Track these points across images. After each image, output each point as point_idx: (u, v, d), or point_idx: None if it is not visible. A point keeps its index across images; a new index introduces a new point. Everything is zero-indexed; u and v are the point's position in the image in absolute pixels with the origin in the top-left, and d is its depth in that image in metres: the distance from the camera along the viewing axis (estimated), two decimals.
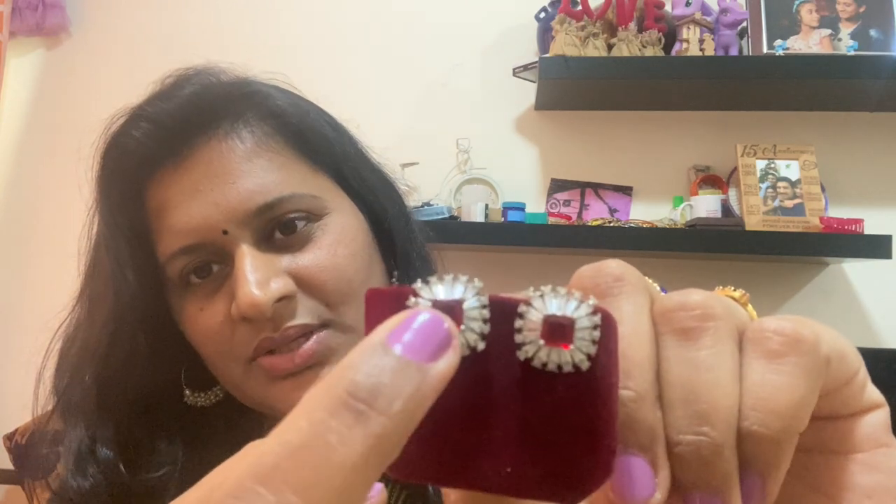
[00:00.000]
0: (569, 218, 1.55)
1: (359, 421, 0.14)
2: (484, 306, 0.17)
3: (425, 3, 1.70)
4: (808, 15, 1.45)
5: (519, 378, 0.17)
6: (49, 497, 0.54)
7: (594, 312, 0.17)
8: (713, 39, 1.47)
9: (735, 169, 1.49)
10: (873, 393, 0.22)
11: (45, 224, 1.75)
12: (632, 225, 1.46)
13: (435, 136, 1.63)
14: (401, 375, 0.15)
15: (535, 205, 1.60)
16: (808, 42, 1.44)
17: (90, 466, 0.52)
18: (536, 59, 1.50)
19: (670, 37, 1.49)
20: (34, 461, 0.56)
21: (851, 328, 1.49)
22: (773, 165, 1.45)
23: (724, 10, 1.49)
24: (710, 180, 1.54)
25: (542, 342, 0.16)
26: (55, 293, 0.61)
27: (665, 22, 1.49)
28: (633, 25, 1.46)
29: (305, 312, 0.49)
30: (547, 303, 0.17)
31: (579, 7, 1.50)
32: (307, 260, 0.50)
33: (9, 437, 1.08)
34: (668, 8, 1.52)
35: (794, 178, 1.44)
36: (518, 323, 0.17)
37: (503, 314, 0.17)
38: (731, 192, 1.51)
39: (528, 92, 1.61)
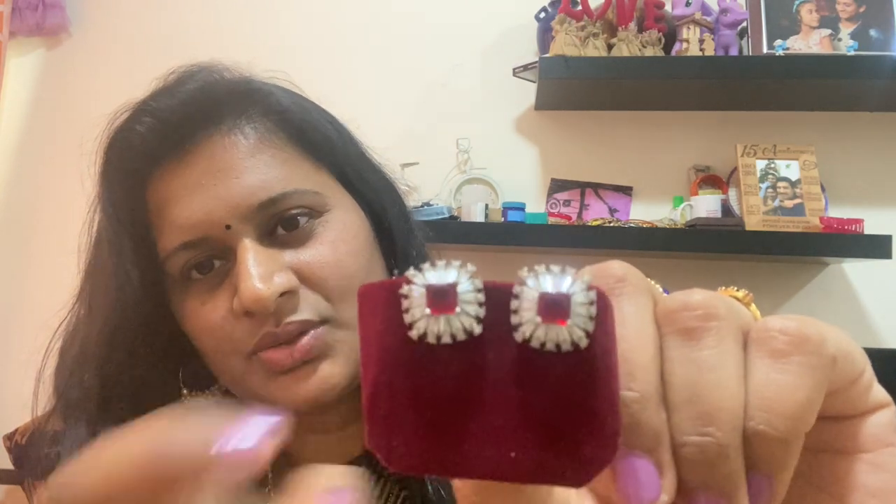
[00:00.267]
0: (569, 218, 1.55)
1: None
2: (478, 290, 0.17)
3: (425, 3, 1.70)
4: (808, 15, 1.45)
5: (517, 361, 0.17)
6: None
7: (589, 289, 0.17)
8: (713, 39, 1.48)
9: (735, 169, 1.49)
10: (879, 392, 0.22)
11: (46, 224, 1.75)
12: (632, 225, 1.46)
13: (435, 136, 1.63)
14: None
15: (535, 205, 1.60)
16: (808, 42, 1.44)
17: None
18: (536, 59, 1.50)
19: (670, 37, 1.49)
20: (34, 461, 0.56)
21: (851, 328, 1.49)
22: (773, 165, 1.45)
23: (724, 10, 1.49)
24: (710, 180, 1.54)
25: (539, 319, 0.16)
26: (56, 293, 0.61)
27: (665, 22, 1.49)
28: (633, 25, 1.46)
29: (307, 308, 0.49)
30: (541, 281, 0.17)
31: (579, 7, 1.50)
32: (309, 256, 0.50)
33: (9, 437, 1.08)
34: (668, 8, 1.52)
35: (794, 178, 1.44)
36: (514, 303, 0.17)
37: (498, 297, 0.17)
38: (731, 192, 1.51)
39: (528, 92, 1.61)
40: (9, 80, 1.81)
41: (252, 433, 0.20)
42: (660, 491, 0.18)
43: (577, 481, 0.16)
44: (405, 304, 0.17)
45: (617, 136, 1.61)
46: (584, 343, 0.16)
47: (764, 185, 1.44)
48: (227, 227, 0.50)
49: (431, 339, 0.16)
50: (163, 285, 0.53)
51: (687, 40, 1.47)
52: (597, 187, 1.59)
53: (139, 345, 0.52)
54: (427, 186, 1.57)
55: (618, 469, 0.18)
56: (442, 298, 0.16)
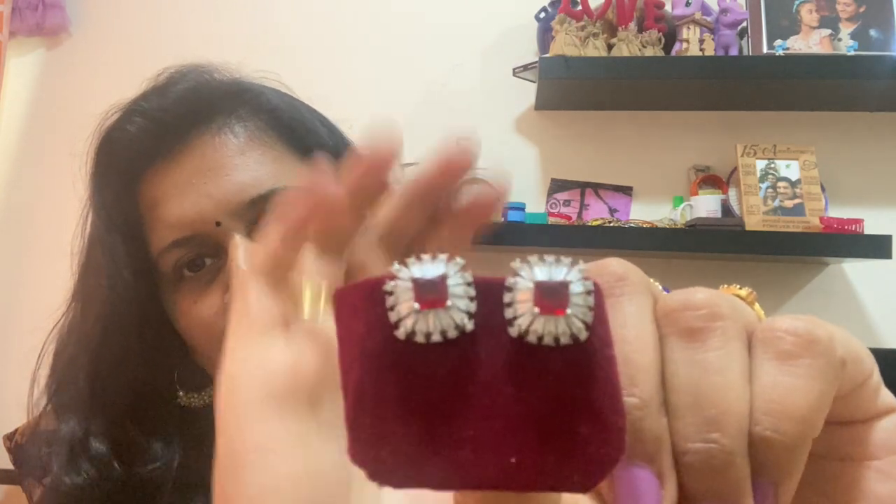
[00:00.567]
0: (569, 218, 1.55)
1: None
2: (468, 283, 0.15)
3: (425, 3, 1.70)
4: (808, 15, 1.45)
5: (513, 358, 0.15)
6: (41, 493, 0.54)
7: (586, 277, 0.16)
8: (713, 39, 1.47)
9: (735, 169, 1.49)
10: (888, 397, 0.21)
11: (46, 224, 1.75)
12: (632, 225, 1.46)
13: (435, 136, 1.63)
14: None
15: (535, 205, 1.59)
16: (808, 42, 1.44)
17: (83, 462, 0.52)
18: (536, 59, 1.50)
19: (670, 37, 1.49)
20: (31, 461, 0.56)
21: (851, 328, 1.47)
22: (773, 165, 1.45)
23: (724, 10, 1.49)
24: (710, 180, 1.54)
25: (536, 310, 0.15)
26: (55, 293, 0.61)
27: (665, 22, 1.48)
28: (633, 25, 1.46)
29: None
30: (536, 270, 0.15)
31: (579, 7, 1.50)
32: None
33: (9, 437, 1.08)
34: (668, 8, 1.52)
35: (794, 178, 1.44)
36: (507, 296, 0.15)
37: (489, 290, 0.15)
38: (731, 192, 1.51)
39: (528, 92, 1.61)
40: (9, 80, 1.81)
41: None
42: (660, 502, 0.17)
43: (584, 485, 0.15)
44: (390, 300, 0.15)
45: (617, 136, 1.61)
46: (583, 335, 0.15)
47: (764, 185, 1.44)
48: (218, 223, 0.50)
49: (420, 338, 0.15)
50: (155, 284, 0.53)
51: (687, 40, 1.47)
52: (597, 187, 1.59)
53: (132, 344, 0.52)
54: None
55: (616, 479, 0.17)
56: (431, 292, 0.15)
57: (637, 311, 0.19)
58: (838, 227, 1.36)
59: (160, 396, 0.54)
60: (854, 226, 1.36)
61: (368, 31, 1.69)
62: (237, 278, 0.24)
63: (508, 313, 0.15)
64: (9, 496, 1.57)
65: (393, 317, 0.15)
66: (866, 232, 1.35)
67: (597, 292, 0.16)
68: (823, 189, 1.47)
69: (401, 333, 0.15)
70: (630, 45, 1.44)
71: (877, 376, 0.20)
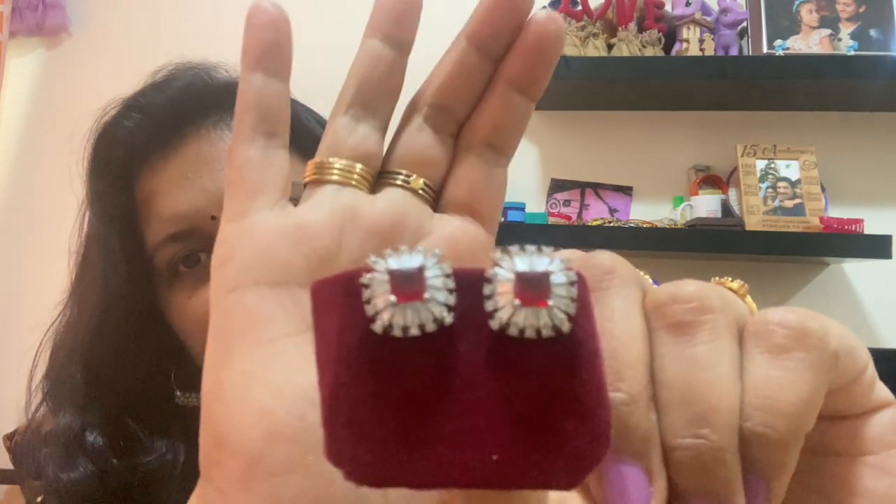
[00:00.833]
0: (569, 218, 1.55)
1: None
2: (447, 274, 0.15)
3: (425, 3, 1.69)
4: (808, 15, 1.45)
5: (494, 351, 0.15)
6: (38, 489, 0.53)
7: (569, 267, 0.15)
8: (713, 39, 1.47)
9: (735, 169, 1.49)
10: (882, 391, 0.20)
11: (45, 225, 1.75)
12: (632, 225, 1.46)
13: None
14: None
15: (535, 205, 1.59)
16: (808, 42, 1.44)
17: (80, 457, 0.51)
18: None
19: (670, 37, 1.49)
20: (30, 461, 0.56)
21: (851, 328, 1.48)
22: (773, 165, 1.45)
23: (724, 10, 1.49)
24: (710, 180, 1.54)
25: (517, 302, 0.14)
26: (55, 292, 0.61)
27: (665, 22, 1.48)
28: (633, 25, 1.46)
29: None
30: (516, 261, 0.15)
31: (579, 7, 1.50)
32: None
33: (9, 437, 1.08)
34: (668, 8, 1.52)
35: (794, 178, 1.44)
36: (487, 288, 0.15)
37: (469, 282, 0.15)
38: (731, 192, 1.51)
39: None
40: (9, 80, 1.81)
41: None
42: (649, 499, 0.17)
43: (568, 482, 0.15)
44: (366, 293, 0.15)
45: (617, 136, 1.61)
46: (566, 327, 0.15)
47: (764, 185, 1.44)
48: (213, 217, 0.50)
49: (397, 332, 0.14)
50: (151, 281, 0.53)
51: (687, 40, 1.47)
52: (597, 187, 1.59)
53: (128, 339, 0.52)
54: None
55: (604, 476, 0.17)
56: (408, 284, 0.14)
57: (625, 305, 0.18)
58: (838, 227, 1.36)
59: (158, 395, 0.54)
60: (854, 226, 1.36)
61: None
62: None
63: (489, 305, 0.15)
64: (9, 496, 1.57)
65: (369, 310, 0.15)
66: (866, 232, 1.35)
67: (580, 283, 0.15)
68: (823, 189, 1.47)
69: (377, 327, 0.14)
70: (630, 45, 1.44)
71: (871, 370, 0.20)
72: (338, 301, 0.15)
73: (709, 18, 1.49)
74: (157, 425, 0.54)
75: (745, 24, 1.48)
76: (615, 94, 1.53)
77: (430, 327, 0.14)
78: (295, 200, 0.23)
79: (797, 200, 1.42)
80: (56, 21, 1.79)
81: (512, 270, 0.15)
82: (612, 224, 1.46)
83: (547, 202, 1.60)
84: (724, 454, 0.17)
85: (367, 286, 0.15)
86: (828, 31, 1.44)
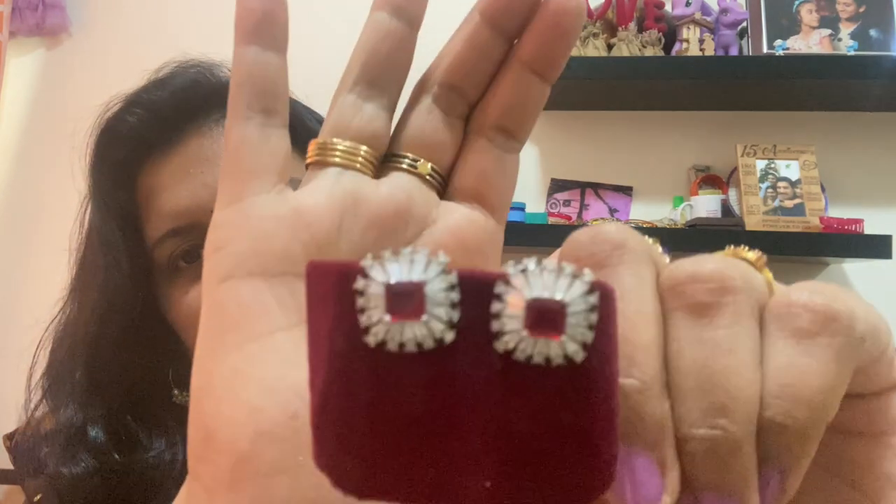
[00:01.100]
0: (569, 218, 1.55)
1: None
2: (451, 287, 0.13)
3: None
4: (808, 15, 1.45)
5: (497, 373, 0.14)
6: (39, 486, 0.53)
7: (590, 290, 0.14)
8: (713, 39, 1.47)
9: (735, 169, 1.49)
10: None
11: (46, 225, 1.75)
12: (632, 225, 1.46)
13: None
14: None
15: (535, 205, 1.59)
16: (808, 42, 1.44)
17: (81, 452, 0.51)
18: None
19: (670, 37, 1.49)
20: (30, 461, 0.56)
21: None
22: (773, 165, 1.45)
23: (724, 10, 1.49)
24: (710, 180, 1.54)
25: (525, 333, 0.13)
26: (55, 293, 0.61)
27: (665, 22, 1.48)
28: (633, 25, 1.46)
29: None
30: (531, 282, 0.13)
31: None
32: None
33: (9, 437, 1.08)
34: (668, 8, 1.52)
35: (794, 178, 1.44)
36: (495, 307, 0.14)
37: (476, 296, 0.14)
38: (731, 192, 1.51)
39: None
40: (9, 80, 1.81)
41: None
42: (661, 491, 0.16)
43: None
44: (360, 302, 0.14)
45: (617, 136, 1.61)
46: (579, 357, 0.13)
47: (764, 185, 1.44)
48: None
49: (392, 348, 0.13)
50: (152, 276, 0.53)
51: (687, 40, 1.47)
52: (597, 187, 1.59)
53: (128, 337, 0.52)
54: None
55: None
56: (405, 302, 0.13)
57: (637, 284, 0.17)
58: (838, 227, 1.36)
59: (156, 392, 0.54)
60: (854, 226, 1.36)
61: None
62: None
63: (495, 326, 0.14)
64: (9, 496, 1.57)
65: (363, 320, 0.14)
66: (866, 232, 1.35)
67: (607, 305, 0.14)
68: (823, 189, 1.47)
69: (371, 341, 0.13)
70: (630, 45, 1.44)
71: (892, 347, 0.18)
72: (331, 298, 0.14)
73: (709, 18, 1.49)
74: (156, 423, 0.54)
75: (745, 24, 1.48)
76: (615, 94, 1.53)
77: (429, 345, 0.13)
78: (293, 188, 0.22)
79: (797, 200, 1.42)
80: (56, 21, 1.79)
81: (524, 295, 0.13)
82: None
83: (547, 202, 1.60)
84: (741, 446, 0.16)
85: (361, 294, 0.14)
86: (828, 31, 1.44)
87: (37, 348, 0.58)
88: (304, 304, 0.15)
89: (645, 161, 1.59)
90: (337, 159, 0.22)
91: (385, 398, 0.14)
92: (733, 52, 1.48)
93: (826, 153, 1.49)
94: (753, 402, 0.16)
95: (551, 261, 0.14)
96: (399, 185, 0.22)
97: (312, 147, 0.22)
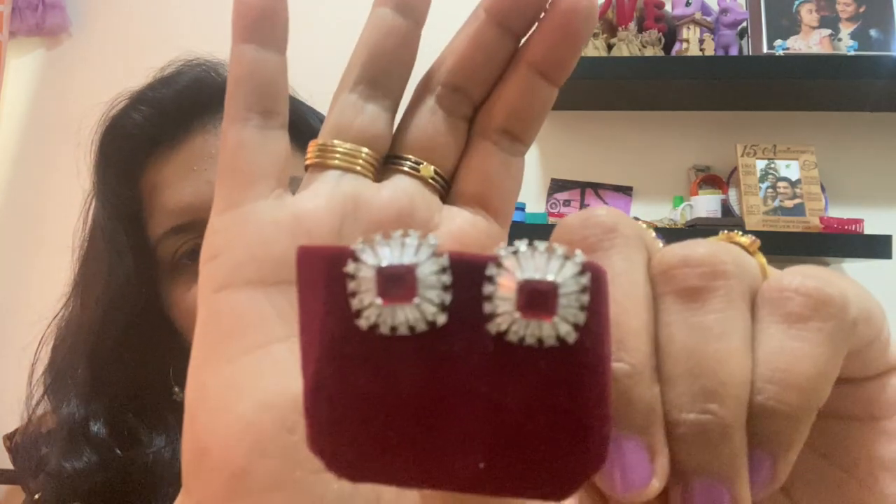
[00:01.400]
0: None
1: None
2: (443, 269, 0.13)
3: None
4: (808, 15, 1.45)
5: (490, 355, 0.14)
6: (39, 485, 0.53)
7: (582, 272, 0.14)
8: (713, 39, 1.47)
9: (735, 169, 1.49)
10: None
11: (46, 225, 1.75)
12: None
13: None
14: None
15: (535, 205, 1.59)
16: (808, 42, 1.44)
17: (83, 446, 0.52)
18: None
19: (670, 37, 1.49)
20: (30, 461, 0.56)
21: None
22: (773, 165, 1.45)
23: (724, 10, 1.49)
24: (710, 180, 1.54)
25: (517, 315, 0.13)
26: (56, 294, 0.61)
27: (665, 22, 1.48)
28: (633, 25, 1.46)
29: None
30: (522, 263, 0.13)
31: None
32: None
33: (9, 437, 1.08)
34: (668, 8, 1.52)
35: (794, 178, 1.44)
36: (487, 288, 0.13)
37: (468, 278, 0.14)
38: (731, 192, 1.51)
39: None
40: (9, 80, 1.81)
41: None
42: (650, 475, 0.15)
43: (556, 495, 0.14)
44: (351, 286, 0.14)
45: (617, 136, 1.61)
46: (572, 338, 0.13)
47: (764, 185, 1.44)
48: None
49: (384, 331, 0.13)
50: (155, 274, 0.53)
51: (687, 40, 1.47)
52: (597, 187, 1.59)
53: (131, 334, 0.52)
54: None
55: None
56: (397, 286, 0.13)
57: (628, 268, 0.17)
58: (838, 227, 1.36)
59: (157, 389, 0.55)
60: (854, 226, 1.36)
61: None
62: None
63: (487, 308, 0.14)
64: (9, 496, 1.57)
65: (354, 304, 0.14)
66: (866, 232, 1.35)
67: (598, 286, 0.14)
68: (823, 189, 1.47)
69: (363, 324, 0.13)
70: (630, 45, 1.44)
71: (886, 331, 0.18)
72: (322, 282, 0.14)
73: (709, 18, 1.49)
74: (156, 420, 0.54)
75: (745, 24, 1.48)
76: (615, 94, 1.53)
77: (421, 327, 0.13)
78: (294, 187, 0.21)
79: (797, 200, 1.42)
80: (56, 21, 1.79)
81: (515, 276, 0.13)
82: None
83: (547, 202, 1.60)
84: (732, 431, 0.15)
85: (352, 277, 0.14)
86: (828, 31, 1.44)
87: (39, 344, 0.58)
88: None
89: (645, 161, 1.59)
90: (337, 161, 0.21)
91: (378, 381, 0.14)
92: (733, 52, 1.48)
93: (826, 153, 1.49)
94: (744, 386, 0.16)
95: (542, 242, 0.14)
96: (401, 189, 0.21)
97: (312, 148, 0.22)
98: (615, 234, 0.17)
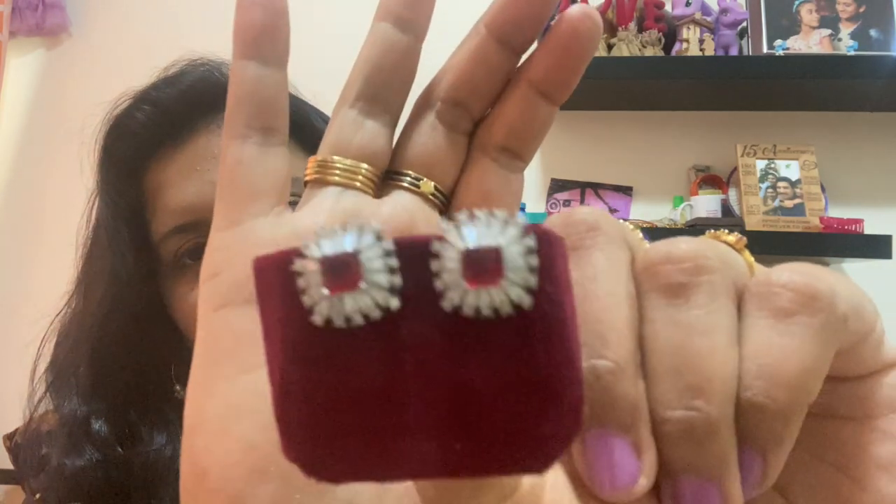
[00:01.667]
0: None
1: None
2: (388, 253, 0.13)
3: None
4: (808, 15, 1.45)
5: (450, 334, 0.13)
6: (41, 479, 0.54)
7: (526, 234, 0.13)
8: (713, 39, 1.47)
9: (735, 169, 1.49)
10: (891, 350, 0.19)
11: (46, 225, 1.75)
12: (632, 225, 1.46)
13: None
14: None
15: (535, 205, 1.59)
16: (808, 42, 1.44)
17: (85, 444, 0.52)
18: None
19: (670, 37, 1.49)
20: (30, 461, 0.56)
21: None
22: (773, 165, 1.45)
23: (724, 10, 1.49)
24: (710, 180, 1.54)
25: (465, 285, 0.13)
26: (57, 293, 0.61)
27: (665, 22, 1.48)
28: (633, 25, 1.46)
29: None
30: (465, 234, 0.13)
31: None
32: None
33: (9, 437, 1.08)
34: (668, 8, 1.52)
35: (794, 178, 1.44)
36: (434, 265, 0.13)
37: (415, 259, 0.13)
38: (731, 192, 1.51)
39: None
40: (9, 80, 1.81)
41: None
42: (638, 474, 0.15)
43: (537, 466, 0.14)
44: (300, 282, 0.13)
45: (617, 136, 1.61)
46: (527, 303, 0.13)
47: (764, 185, 1.44)
48: None
49: (339, 323, 0.13)
50: (157, 273, 0.53)
51: (687, 40, 1.47)
52: (597, 187, 1.59)
53: (133, 332, 0.53)
54: None
55: (590, 449, 0.16)
56: (341, 273, 0.13)
57: (609, 265, 0.17)
58: (838, 227, 1.36)
59: (159, 388, 0.55)
60: (854, 226, 1.36)
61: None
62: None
63: (438, 285, 0.13)
64: (9, 496, 1.57)
65: (306, 301, 0.13)
66: (866, 232, 1.35)
67: (546, 245, 0.13)
68: (823, 189, 1.47)
69: (317, 321, 0.13)
70: (630, 45, 1.44)
71: (879, 328, 0.18)
72: (276, 286, 0.14)
73: (709, 18, 1.49)
74: (158, 418, 0.54)
75: (745, 24, 1.48)
76: (615, 94, 1.53)
77: (375, 315, 0.13)
78: (297, 197, 0.21)
79: (797, 200, 1.43)
80: (56, 21, 1.79)
81: (458, 247, 0.13)
82: None
83: (547, 202, 1.60)
84: (718, 427, 0.15)
85: (300, 275, 0.13)
86: (828, 31, 1.44)
87: (41, 342, 0.59)
88: None
89: (645, 161, 1.59)
90: (337, 178, 0.21)
91: (343, 377, 0.13)
92: (733, 52, 1.48)
93: (826, 153, 1.49)
94: (730, 382, 0.16)
95: (483, 211, 0.13)
96: (401, 205, 0.21)
97: (311, 164, 0.21)
98: (597, 232, 0.17)
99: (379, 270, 0.13)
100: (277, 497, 0.17)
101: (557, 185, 1.61)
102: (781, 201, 1.43)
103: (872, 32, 1.43)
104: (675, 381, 0.16)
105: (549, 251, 0.13)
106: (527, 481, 0.15)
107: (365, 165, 0.21)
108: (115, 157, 0.55)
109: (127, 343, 0.53)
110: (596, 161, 1.60)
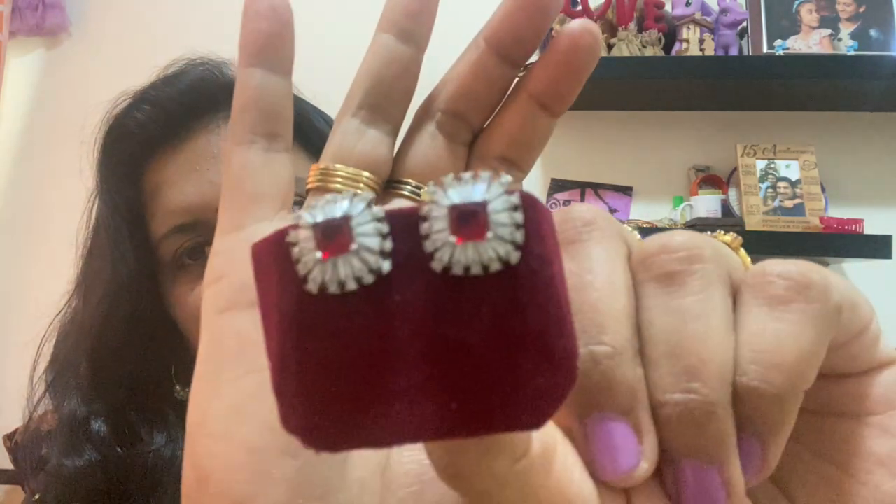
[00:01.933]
0: None
1: None
2: (378, 218, 0.14)
3: None
4: (808, 15, 1.45)
5: (442, 294, 0.13)
6: (40, 479, 0.54)
7: (510, 191, 0.14)
8: (713, 39, 1.48)
9: (735, 169, 1.49)
10: (887, 349, 0.19)
11: (46, 224, 1.75)
12: (632, 225, 1.46)
13: None
14: None
15: None
16: (808, 42, 1.44)
17: (84, 444, 0.52)
18: (536, 59, 1.50)
19: (670, 37, 1.49)
20: (30, 461, 0.56)
21: None
22: (773, 165, 1.45)
23: (724, 10, 1.49)
24: (710, 180, 1.54)
25: (454, 240, 0.13)
26: (56, 293, 0.61)
27: (665, 22, 1.49)
28: (633, 25, 1.46)
29: None
30: (450, 193, 0.14)
31: (579, 7, 1.50)
32: None
33: (9, 437, 1.08)
34: (668, 8, 1.52)
35: (794, 178, 1.44)
36: (423, 227, 0.14)
37: (405, 223, 0.14)
38: (731, 192, 1.51)
39: None
40: (9, 80, 1.81)
41: None
42: (639, 457, 0.16)
43: (534, 422, 0.14)
44: (295, 252, 0.14)
45: (617, 136, 1.61)
46: (514, 258, 0.13)
47: (764, 185, 1.44)
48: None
49: (333, 289, 0.13)
50: (157, 272, 0.53)
51: (687, 40, 1.47)
52: (597, 187, 1.59)
53: (133, 329, 0.53)
54: None
55: (590, 433, 0.16)
56: (333, 236, 0.13)
57: (606, 256, 0.17)
58: (838, 227, 1.36)
59: (159, 388, 0.55)
60: (854, 226, 1.36)
61: (370, 32, 1.69)
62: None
63: (428, 246, 0.14)
64: (9, 496, 1.57)
65: (301, 270, 0.14)
66: (866, 232, 1.35)
67: (529, 206, 0.14)
68: (823, 189, 1.47)
69: (312, 287, 0.13)
70: (630, 45, 1.44)
71: (875, 327, 0.18)
72: (272, 263, 0.14)
73: (709, 18, 1.49)
74: (157, 418, 0.54)
75: (745, 24, 1.48)
76: (615, 94, 1.53)
77: (368, 279, 0.13)
78: (299, 197, 0.21)
79: (797, 200, 1.43)
80: (56, 21, 1.79)
81: (445, 205, 0.13)
82: None
83: (547, 202, 1.60)
84: (716, 409, 0.15)
85: (294, 244, 0.14)
86: (828, 31, 1.44)
87: (41, 342, 0.59)
88: None
89: (645, 161, 1.59)
90: (339, 185, 0.21)
91: (337, 345, 0.14)
92: (733, 52, 1.48)
93: (826, 153, 1.49)
94: (726, 365, 0.16)
95: (468, 172, 0.14)
96: None
97: (314, 172, 0.22)
98: (593, 226, 0.18)
99: (370, 234, 0.13)
100: (282, 501, 0.17)
101: (557, 185, 1.61)
102: (781, 201, 1.43)
103: (872, 32, 1.43)
104: (672, 366, 0.16)
105: (533, 212, 0.14)
106: (537, 447, 0.15)
107: (366, 173, 0.22)
108: (114, 157, 0.55)
109: (127, 343, 0.53)
110: (596, 161, 1.61)
